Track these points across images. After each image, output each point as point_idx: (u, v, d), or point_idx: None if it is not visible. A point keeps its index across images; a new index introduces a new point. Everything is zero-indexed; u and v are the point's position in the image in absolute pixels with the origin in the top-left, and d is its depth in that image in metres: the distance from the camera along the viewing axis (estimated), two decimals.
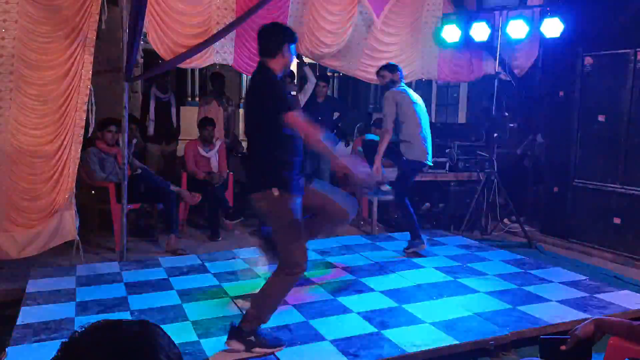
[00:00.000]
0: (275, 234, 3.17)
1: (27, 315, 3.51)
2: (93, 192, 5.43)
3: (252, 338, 3.05)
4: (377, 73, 5.15)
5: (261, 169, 3.08)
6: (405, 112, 4.94)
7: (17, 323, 3.38)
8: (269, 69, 3.11)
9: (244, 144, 9.20)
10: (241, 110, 10.22)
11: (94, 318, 3.42)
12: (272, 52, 3.10)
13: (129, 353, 0.84)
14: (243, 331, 3.05)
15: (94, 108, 4.58)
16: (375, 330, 3.40)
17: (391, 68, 5.15)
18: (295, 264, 3.04)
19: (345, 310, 3.73)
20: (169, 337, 0.90)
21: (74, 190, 4.59)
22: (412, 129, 4.97)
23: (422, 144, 5.00)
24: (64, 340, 0.85)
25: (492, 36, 5.84)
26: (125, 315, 3.56)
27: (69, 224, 4.54)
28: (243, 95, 14.19)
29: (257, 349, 3.05)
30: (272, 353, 3.06)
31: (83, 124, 4.54)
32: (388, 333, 3.35)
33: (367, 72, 6.21)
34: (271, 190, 2.97)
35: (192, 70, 12.18)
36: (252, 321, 3.07)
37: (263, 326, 3.15)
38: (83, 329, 0.87)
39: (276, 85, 3.09)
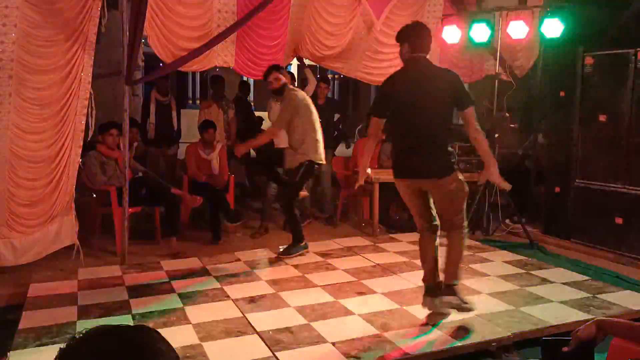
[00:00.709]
0: (453, 207, 3.55)
1: (29, 319, 3.51)
2: (94, 195, 5.43)
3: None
4: (267, 76, 4.97)
5: (447, 155, 3.49)
6: (305, 114, 4.92)
7: (19, 327, 3.38)
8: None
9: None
10: None
11: (95, 322, 3.43)
12: (428, 49, 3.57)
13: (127, 359, 0.83)
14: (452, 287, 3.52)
15: (93, 112, 4.58)
16: (378, 332, 3.39)
17: (283, 71, 5.13)
18: (464, 221, 3.59)
19: (346, 312, 3.73)
20: (167, 341, 0.90)
21: (74, 194, 4.59)
22: (311, 131, 4.98)
23: (319, 144, 5.03)
24: (61, 346, 0.85)
25: (493, 37, 5.84)
26: (127, 319, 3.56)
27: (69, 229, 4.53)
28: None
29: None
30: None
31: (83, 127, 4.54)
32: (390, 335, 3.35)
33: (368, 73, 6.22)
34: (456, 172, 3.49)
35: (193, 74, 12.22)
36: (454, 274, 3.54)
37: (262, 325, 3.13)
38: (81, 334, 0.86)
39: (460, 79, 3.54)
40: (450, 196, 3.50)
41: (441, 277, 3.61)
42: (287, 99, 4.96)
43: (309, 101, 5.04)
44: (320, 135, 5.06)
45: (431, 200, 3.61)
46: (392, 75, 3.61)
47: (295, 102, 4.90)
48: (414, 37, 3.50)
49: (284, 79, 4.99)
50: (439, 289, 3.59)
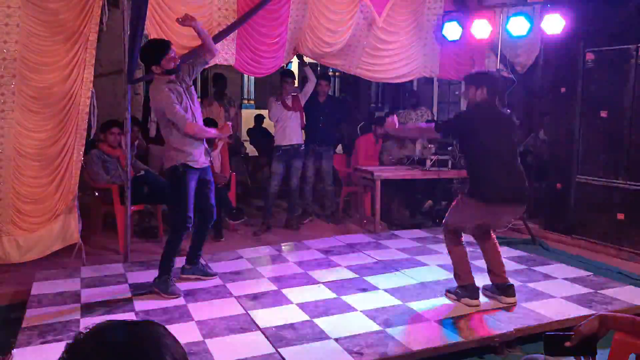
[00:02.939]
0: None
1: (33, 317, 3.52)
2: (97, 194, 5.44)
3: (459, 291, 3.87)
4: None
5: (524, 183, 3.85)
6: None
7: (23, 325, 3.39)
8: None
9: (247, 145, 9.22)
10: (243, 111, 10.23)
11: (99, 319, 3.44)
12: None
13: (134, 353, 0.84)
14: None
15: (95, 110, 4.59)
16: (380, 328, 3.40)
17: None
18: None
19: (349, 308, 3.73)
20: (174, 336, 0.91)
21: (77, 192, 4.60)
22: None
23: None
24: (69, 341, 0.86)
25: (493, 33, 5.83)
26: (130, 316, 3.57)
27: (72, 228, 4.55)
28: (244, 95, 14.22)
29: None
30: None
31: (85, 126, 4.55)
32: (392, 331, 3.36)
33: (368, 70, 6.21)
34: None
35: None
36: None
37: (265, 322, 3.14)
38: (88, 329, 0.87)
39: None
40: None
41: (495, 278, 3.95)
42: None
43: None
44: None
45: None
46: (472, 113, 3.89)
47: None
48: (492, 84, 3.85)
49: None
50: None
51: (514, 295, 3.84)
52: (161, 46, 3.90)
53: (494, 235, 4.00)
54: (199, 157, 4.02)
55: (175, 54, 3.97)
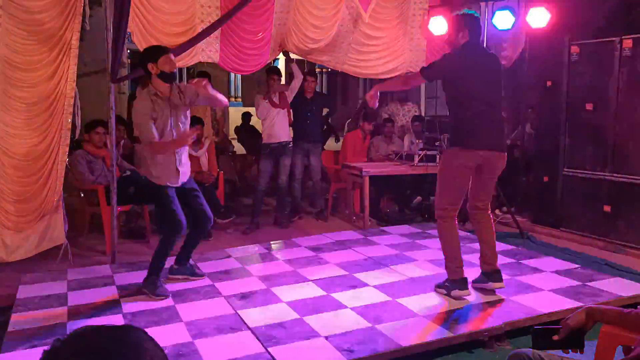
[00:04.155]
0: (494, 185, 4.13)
1: (18, 321, 3.48)
2: (82, 195, 5.39)
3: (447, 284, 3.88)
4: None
5: (503, 133, 3.94)
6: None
7: (9, 329, 3.34)
8: None
9: (234, 143, 9.16)
10: (230, 109, 10.16)
11: (86, 322, 3.40)
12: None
13: (113, 359, 0.82)
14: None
15: (79, 110, 4.54)
16: (370, 325, 3.40)
17: None
18: None
19: (339, 305, 3.72)
20: (154, 340, 0.89)
21: (62, 193, 4.56)
22: None
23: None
24: (45, 349, 0.83)
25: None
26: (118, 318, 3.54)
27: (58, 228, 4.52)
28: (231, 93, 14.15)
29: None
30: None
31: (69, 126, 4.52)
32: (382, 327, 3.35)
33: (355, 66, 6.20)
34: None
35: (179, 70, 12.16)
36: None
37: (254, 321, 3.11)
38: (65, 336, 0.85)
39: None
40: (496, 175, 3.90)
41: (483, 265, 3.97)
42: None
43: None
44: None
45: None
46: (458, 54, 3.78)
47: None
48: (475, 25, 3.80)
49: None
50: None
51: (502, 280, 3.86)
52: (163, 48, 3.87)
53: (492, 223, 3.92)
54: (168, 178, 3.89)
55: (175, 61, 3.84)
